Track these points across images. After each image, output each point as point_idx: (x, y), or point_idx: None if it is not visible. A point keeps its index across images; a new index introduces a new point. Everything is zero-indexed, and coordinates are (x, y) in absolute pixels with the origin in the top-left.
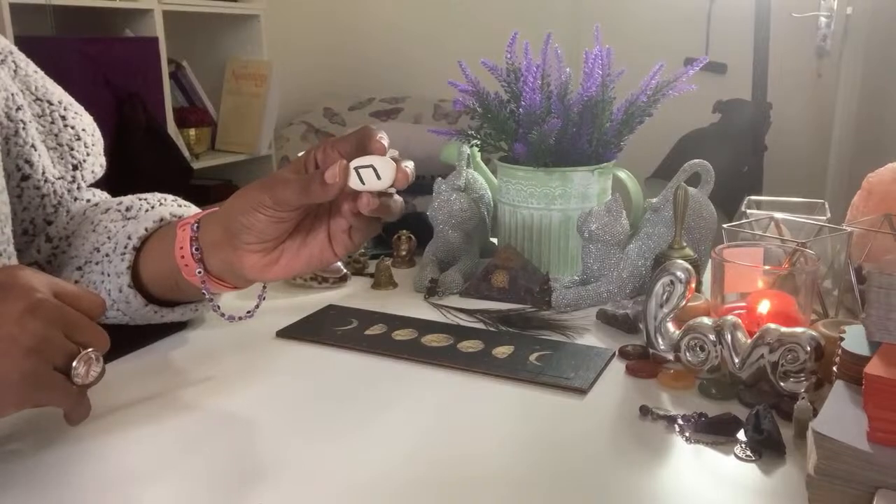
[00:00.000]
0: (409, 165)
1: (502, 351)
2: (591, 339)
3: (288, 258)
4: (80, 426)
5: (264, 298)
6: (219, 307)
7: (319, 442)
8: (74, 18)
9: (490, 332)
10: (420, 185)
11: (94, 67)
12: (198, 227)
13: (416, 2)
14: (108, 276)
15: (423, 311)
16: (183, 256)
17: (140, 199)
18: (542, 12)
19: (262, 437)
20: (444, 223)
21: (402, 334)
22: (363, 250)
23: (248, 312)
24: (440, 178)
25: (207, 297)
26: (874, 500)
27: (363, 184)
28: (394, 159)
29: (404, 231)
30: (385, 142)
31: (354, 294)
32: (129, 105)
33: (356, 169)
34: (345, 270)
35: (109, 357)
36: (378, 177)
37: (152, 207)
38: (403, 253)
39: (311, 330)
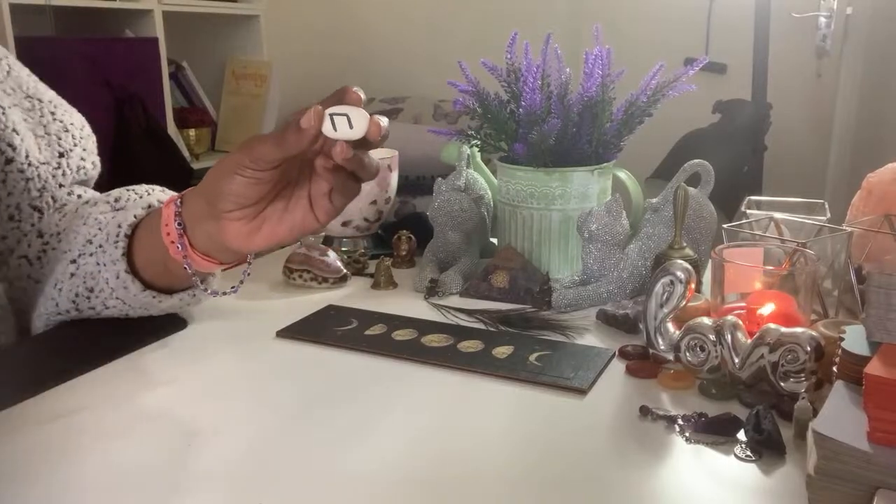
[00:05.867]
0: (382, 120)
1: (502, 351)
2: (591, 339)
3: (271, 226)
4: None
5: (250, 263)
6: (200, 283)
7: (319, 442)
8: (74, 18)
9: (490, 332)
10: (420, 185)
11: (94, 68)
12: (181, 203)
13: (417, 2)
14: (105, 265)
15: (423, 311)
16: (168, 234)
17: (128, 191)
18: (542, 12)
19: (262, 436)
20: (444, 223)
21: (402, 334)
22: (363, 250)
23: (233, 288)
24: (440, 178)
25: (189, 271)
26: (874, 500)
27: (335, 130)
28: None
29: (404, 231)
30: (361, 94)
31: (354, 294)
32: (128, 105)
33: (330, 115)
34: (345, 270)
35: (108, 357)
36: (351, 125)
37: (140, 197)
38: (403, 253)
39: (311, 330)
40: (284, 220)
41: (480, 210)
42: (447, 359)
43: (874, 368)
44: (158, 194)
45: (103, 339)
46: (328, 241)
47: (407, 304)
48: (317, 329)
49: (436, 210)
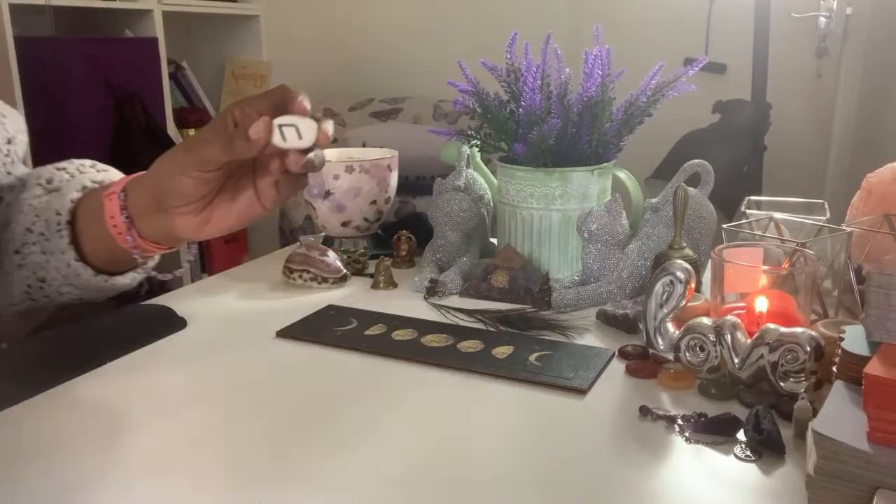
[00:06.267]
0: (329, 127)
1: (502, 351)
2: (591, 339)
3: (219, 216)
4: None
5: (194, 249)
6: (151, 270)
7: (319, 442)
8: (74, 19)
9: (490, 333)
10: (420, 185)
11: (93, 68)
12: (125, 195)
13: (416, 2)
14: (52, 254)
15: (423, 311)
16: (115, 226)
17: (59, 170)
18: (542, 12)
19: (262, 437)
20: (444, 223)
21: (402, 334)
22: (363, 250)
23: (184, 265)
24: (440, 178)
25: (140, 260)
26: (874, 500)
27: (285, 141)
28: (314, 118)
29: (404, 231)
30: (307, 104)
31: (354, 294)
32: (128, 105)
33: (279, 126)
34: (345, 270)
35: (108, 357)
36: (300, 136)
37: (72, 177)
38: (403, 253)
39: (311, 330)
40: (232, 210)
41: (480, 210)
42: (447, 359)
43: (874, 368)
44: (91, 173)
45: (102, 339)
46: (328, 241)
47: (407, 304)
48: (317, 329)
49: (436, 210)
